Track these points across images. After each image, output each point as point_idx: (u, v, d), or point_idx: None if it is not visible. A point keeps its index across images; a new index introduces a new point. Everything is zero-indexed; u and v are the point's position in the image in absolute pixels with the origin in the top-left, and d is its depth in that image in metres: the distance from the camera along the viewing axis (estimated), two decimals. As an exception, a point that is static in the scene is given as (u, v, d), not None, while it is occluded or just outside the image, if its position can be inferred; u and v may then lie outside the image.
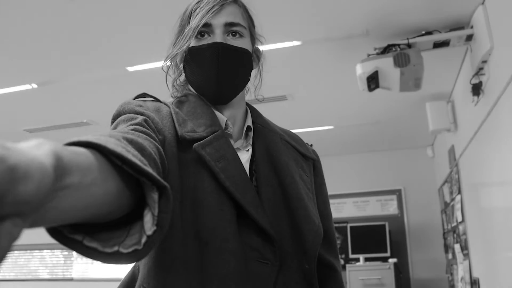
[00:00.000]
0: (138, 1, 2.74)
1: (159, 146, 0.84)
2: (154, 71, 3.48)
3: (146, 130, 0.85)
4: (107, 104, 4.19)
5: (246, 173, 1.00)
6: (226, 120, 1.08)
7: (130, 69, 3.55)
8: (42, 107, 4.33)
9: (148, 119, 0.91)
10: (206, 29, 1.06)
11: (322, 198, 1.19)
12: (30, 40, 3.13)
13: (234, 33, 1.07)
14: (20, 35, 3.06)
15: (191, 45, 1.07)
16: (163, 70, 1.15)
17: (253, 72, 1.17)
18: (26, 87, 3.83)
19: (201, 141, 0.96)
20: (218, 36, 1.05)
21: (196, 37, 1.07)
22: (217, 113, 1.08)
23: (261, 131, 1.13)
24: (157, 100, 1.07)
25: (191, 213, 0.92)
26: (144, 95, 1.06)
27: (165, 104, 1.06)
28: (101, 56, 3.38)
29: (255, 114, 1.18)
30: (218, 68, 1.05)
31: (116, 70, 3.57)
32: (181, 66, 1.12)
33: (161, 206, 0.59)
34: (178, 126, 0.97)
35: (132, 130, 0.81)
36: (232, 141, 1.08)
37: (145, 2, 2.74)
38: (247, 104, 1.20)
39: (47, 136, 5.16)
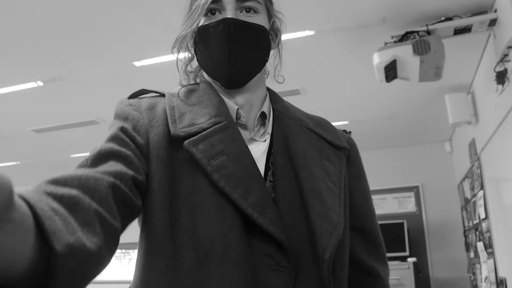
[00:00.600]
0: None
1: (122, 169, 0.77)
2: (162, 66, 3.37)
3: (115, 149, 0.80)
4: (115, 101, 4.09)
5: (257, 168, 0.88)
6: (238, 109, 0.96)
7: (137, 64, 3.44)
8: (49, 105, 4.24)
9: (124, 127, 0.86)
10: (216, 5, 0.95)
11: (360, 192, 1.04)
12: (34, 36, 3.03)
13: (248, 9, 0.96)
14: (23, 31, 2.97)
15: (200, 24, 0.96)
16: (172, 53, 1.03)
17: (272, 53, 1.05)
18: (32, 85, 3.73)
19: (193, 137, 0.87)
20: (229, 13, 0.94)
21: (206, 15, 0.96)
22: (227, 101, 0.98)
23: (280, 118, 1.00)
24: (159, 94, 0.99)
25: (189, 220, 0.83)
26: (142, 91, 0.99)
27: (170, 95, 0.96)
28: (106, 51, 3.28)
29: (275, 99, 1.05)
30: (230, 47, 0.93)
31: (123, 66, 3.46)
32: (193, 49, 1.01)
33: (59, 278, 0.52)
34: (172, 124, 0.89)
35: (102, 154, 0.78)
36: (246, 132, 0.96)
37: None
38: (267, 88, 1.07)
39: (56, 136, 5.09)
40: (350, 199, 1.01)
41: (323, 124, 1.07)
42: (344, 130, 1.12)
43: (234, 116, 0.96)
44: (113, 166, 0.77)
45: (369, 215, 1.03)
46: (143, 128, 0.88)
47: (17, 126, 4.75)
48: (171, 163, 0.86)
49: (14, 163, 6.28)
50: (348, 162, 1.04)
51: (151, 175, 0.84)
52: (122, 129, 0.86)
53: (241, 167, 0.86)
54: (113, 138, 0.84)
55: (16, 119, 4.55)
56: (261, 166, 0.92)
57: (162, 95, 0.99)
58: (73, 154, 5.88)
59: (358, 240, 1.01)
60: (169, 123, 0.89)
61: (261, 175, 0.88)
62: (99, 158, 0.78)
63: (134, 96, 0.98)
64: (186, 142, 0.86)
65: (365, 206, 1.03)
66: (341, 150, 1.02)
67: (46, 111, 4.37)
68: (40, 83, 3.72)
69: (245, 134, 0.96)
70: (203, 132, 0.88)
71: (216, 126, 0.90)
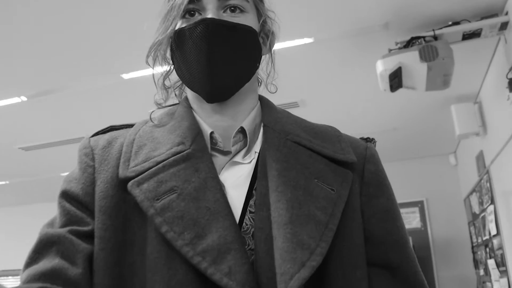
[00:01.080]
0: (131, 4, 2.45)
1: (57, 265, 0.72)
2: (151, 78, 3.18)
3: (50, 234, 0.75)
4: (103, 116, 3.91)
5: (223, 202, 0.73)
6: (211, 133, 0.81)
7: (125, 76, 3.25)
8: (35, 122, 4.04)
9: (65, 190, 0.79)
10: (194, 5, 0.79)
11: (380, 217, 0.82)
12: (17, 48, 2.85)
13: (232, 8, 0.80)
14: (4, 43, 2.78)
15: (176, 28, 0.80)
16: (147, 63, 0.88)
17: (263, 58, 0.88)
18: (15, 100, 3.54)
19: (138, 177, 0.75)
20: (210, 12, 0.78)
21: (183, 17, 0.80)
22: (201, 122, 0.83)
23: (266, 133, 0.83)
24: (127, 126, 0.88)
25: (143, 273, 0.71)
26: (110, 128, 0.88)
27: (142, 124, 0.86)
28: (92, 63, 3.09)
29: (267, 111, 0.87)
30: (209, 53, 0.76)
31: (111, 79, 3.28)
32: (171, 59, 0.86)
33: None
34: (123, 163, 0.77)
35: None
36: (228, 156, 0.81)
37: (138, 5, 2.45)
38: (261, 99, 0.90)
39: (45, 154, 4.88)
40: (367, 227, 0.80)
41: (325, 134, 0.87)
42: (367, 138, 0.91)
43: (208, 141, 0.80)
44: (51, 261, 0.72)
45: (395, 245, 0.81)
46: (89, 180, 0.79)
47: (3, 144, 4.55)
48: (121, 211, 0.75)
49: (3, 182, 6.06)
50: (362, 179, 0.83)
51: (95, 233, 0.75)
52: (63, 195, 0.79)
53: (198, 204, 0.71)
54: (58, 210, 0.79)
55: (1, 136, 4.34)
56: (242, 193, 0.76)
57: (128, 126, 0.87)
58: (63, 173, 5.67)
59: (383, 281, 0.79)
60: (120, 163, 0.77)
61: (228, 211, 0.72)
62: (41, 249, 0.74)
63: (100, 132, 0.87)
64: (130, 183, 0.74)
65: (387, 235, 0.81)
66: (347, 166, 0.81)
67: (33, 128, 4.17)
68: (24, 98, 3.53)
69: (223, 160, 0.81)
70: (153, 168, 0.75)
71: (174, 157, 0.76)
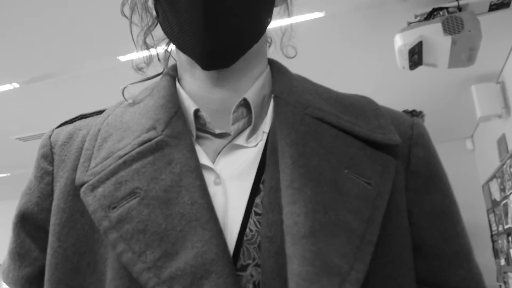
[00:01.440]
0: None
1: None
2: (149, 59, 2.98)
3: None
4: (102, 102, 3.71)
5: (205, 204, 0.53)
6: (195, 111, 0.60)
7: (122, 58, 3.05)
8: (30, 110, 3.86)
9: (22, 212, 0.63)
10: None
11: (431, 219, 0.60)
12: (7, 31, 2.66)
13: None
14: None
15: None
16: (122, 13, 0.72)
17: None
18: (7, 87, 3.36)
19: (92, 180, 0.56)
20: None
21: None
22: (185, 97, 0.62)
23: (278, 106, 0.61)
24: (97, 113, 0.69)
25: None
26: (81, 117, 0.70)
27: (116, 106, 0.68)
28: (87, 46, 2.90)
29: (279, 77, 0.65)
30: (206, 3, 0.53)
31: (107, 61, 3.09)
32: (154, 9, 0.66)
33: None
34: (82, 165, 0.59)
35: None
36: (225, 139, 0.61)
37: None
38: (271, 62, 0.69)
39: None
40: (416, 234, 0.59)
41: (358, 107, 0.64)
42: (412, 111, 0.69)
43: (191, 121, 0.60)
44: None
45: (455, 258, 0.60)
46: (46, 191, 0.62)
47: (-1, 134, 4.38)
48: (75, 228, 0.57)
49: (4, 175, 5.92)
50: (408, 168, 0.61)
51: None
52: (18, 217, 0.64)
53: (168, 211, 0.52)
54: (12, 241, 0.66)
55: (-4, 126, 4.18)
56: (245, 188, 0.56)
57: (99, 112, 0.69)
58: (65, 164, 5.53)
59: None
60: (79, 165, 0.59)
61: (210, 216, 0.52)
62: None
63: (68, 123, 0.70)
64: (83, 188, 0.56)
65: (444, 244, 0.60)
66: (388, 150, 0.59)
67: (28, 117, 4.00)
68: (16, 85, 3.34)
69: (221, 143, 0.61)
70: (113, 165, 0.56)
71: (138, 149, 0.57)
